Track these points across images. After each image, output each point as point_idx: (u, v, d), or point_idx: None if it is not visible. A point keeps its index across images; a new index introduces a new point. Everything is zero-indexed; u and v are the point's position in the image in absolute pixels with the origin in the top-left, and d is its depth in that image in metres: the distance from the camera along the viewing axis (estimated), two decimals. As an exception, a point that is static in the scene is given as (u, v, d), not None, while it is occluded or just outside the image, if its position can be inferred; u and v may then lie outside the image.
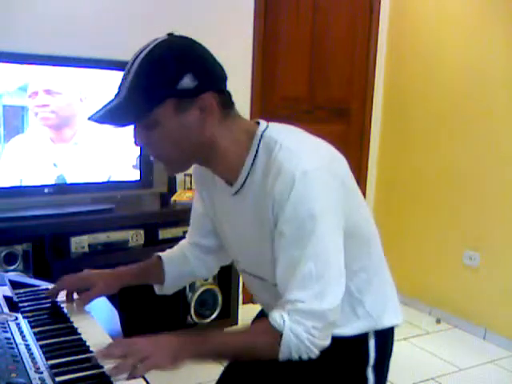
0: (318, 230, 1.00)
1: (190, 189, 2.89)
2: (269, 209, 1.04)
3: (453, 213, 3.27)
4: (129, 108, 1.00)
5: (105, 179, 2.55)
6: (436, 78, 3.33)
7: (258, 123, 1.12)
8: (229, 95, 1.07)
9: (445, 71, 3.28)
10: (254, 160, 1.07)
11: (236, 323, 2.86)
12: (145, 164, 2.60)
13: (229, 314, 2.85)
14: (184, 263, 1.36)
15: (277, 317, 1.01)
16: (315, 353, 1.02)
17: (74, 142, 2.44)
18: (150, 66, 0.99)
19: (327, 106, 3.52)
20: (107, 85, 2.44)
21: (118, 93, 1.02)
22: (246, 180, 1.09)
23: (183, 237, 2.86)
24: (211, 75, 1.03)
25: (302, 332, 0.99)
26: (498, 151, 3.03)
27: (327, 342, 1.04)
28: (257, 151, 1.07)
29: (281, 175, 1.01)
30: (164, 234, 2.60)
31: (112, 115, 1.01)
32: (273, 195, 1.02)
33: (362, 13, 3.54)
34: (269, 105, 3.27)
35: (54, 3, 2.56)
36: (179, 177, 2.85)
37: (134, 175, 2.61)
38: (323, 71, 3.47)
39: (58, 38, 2.53)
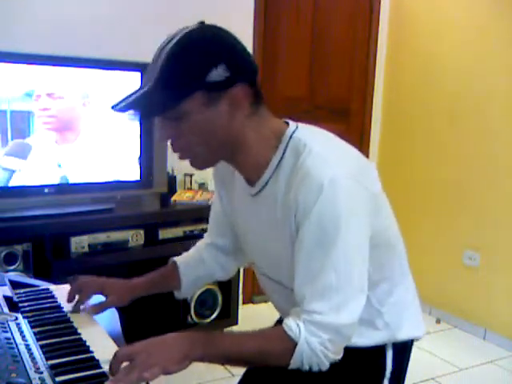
0: (343, 240, 0.96)
1: (190, 189, 2.89)
2: (291, 213, 1.00)
3: (453, 213, 3.27)
4: (156, 99, 0.96)
5: (105, 179, 2.55)
6: (436, 77, 3.33)
7: (287, 123, 1.08)
8: (259, 90, 1.03)
9: (445, 71, 3.28)
10: (280, 161, 1.04)
11: (236, 323, 2.86)
12: (145, 164, 2.60)
13: (229, 314, 2.85)
14: (200, 266, 1.34)
15: (292, 325, 0.98)
16: (326, 366, 0.99)
17: (76, 144, 2.44)
18: (179, 57, 0.95)
19: (327, 106, 3.52)
20: (110, 86, 2.44)
21: (146, 81, 0.98)
22: (269, 181, 1.05)
23: (183, 237, 2.86)
24: (243, 67, 0.99)
25: (317, 344, 0.97)
26: (498, 152, 3.02)
27: (339, 356, 1.01)
28: (284, 152, 1.03)
29: (308, 181, 0.97)
30: (164, 234, 2.60)
31: (138, 105, 0.98)
32: (297, 201, 0.98)
33: (362, 13, 3.54)
34: (269, 105, 3.24)
35: (57, 3, 2.56)
36: (179, 177, 2.86)
37: (134, 175, 2.61)
38: (323, 71, 3.47)
39: (60, 39, 2.53)
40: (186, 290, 1.35)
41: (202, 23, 1.00)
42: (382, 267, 1.10)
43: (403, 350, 1.19)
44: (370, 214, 1.01)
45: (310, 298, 0.98)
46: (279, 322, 1.29)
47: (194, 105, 0.96)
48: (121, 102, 0.99)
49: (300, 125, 1.08)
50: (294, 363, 0.99)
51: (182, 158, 1.05)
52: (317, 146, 1.02)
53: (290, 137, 1.04)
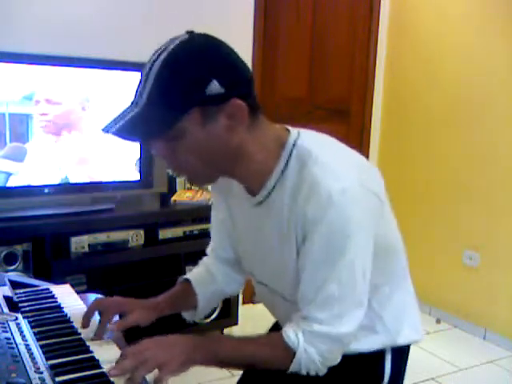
0: (349, 252, 0.96)
1: (190, 189, 2.89)
2: (298, 223, 0.98)
3: (453, 213, 3.27)
4: (150, 118, 0.91)
5: (105, 179, 2.55)
6: (436, 77, 3.33)
7: (288, 130, 1.04)
8: (255, 98, 0.98)
9: (445, 71, 3.28)
10: (284, 170, 1.00)
11: (236, 323, 2.86)
12: (145, 164, 2.60)
13: (229, 314, 2.85)
14: (212, 281, 1.28)
15: (291, 335, 0.99)
16: (323, 372, 1.01)
17: (76, 144, 2.44)
18: (172, 71, 0.90)
19: (327, 106, 3.52)
20: (111, 86, 2.44)
21: (136, 100, 0.94)
22: (273, 190, 1.02)
23: (183, 237, 2.85)
24: (238, 79, 0.95)
25: (315, 354, 0.98)
26: (498, 152, 3.02)
27: (337, 362, 1.03)
28: (288, 160, 1.00)
29: (316, 192, 0.94)
30: (164, 234, 2.59)
31: (132, 128, 0.91)
32: (304, 211, 0.96)
33: (362, 13, 3.54)
34: (269, 105, 3.26)
35: (56, 2, 2.56)
36: (179, 177, 2.86)
37: (134, 175, 2.61)
38: (323, 71, 3.47)
39: (59, 39, 2.53)
40: (202, 308, 1.27)
41: (191, 33, 0.95)
42: (384, 271, 1.09)
43: (402, 354, 1.19)
44: (376, 221, 1.01)
45: (311, 306, 0.99)
46: (275, 327, 1.29)
47: (191, 122, 0.91)
48: (113, 122, 0.94)
49: (301, 131, 1.05)
50: (291, 369, 1.00)
51: (178, 175, 1.03)
52: (322, 153, 0.99)
53: (293, 144, 1.01)
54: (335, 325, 0.98)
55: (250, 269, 1.21)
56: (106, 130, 0.94)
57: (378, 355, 1.14)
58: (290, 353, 0.99)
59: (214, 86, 0.90)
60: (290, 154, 1.01)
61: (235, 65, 0.95)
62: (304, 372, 1.00)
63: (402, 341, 1.15)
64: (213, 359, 1.00)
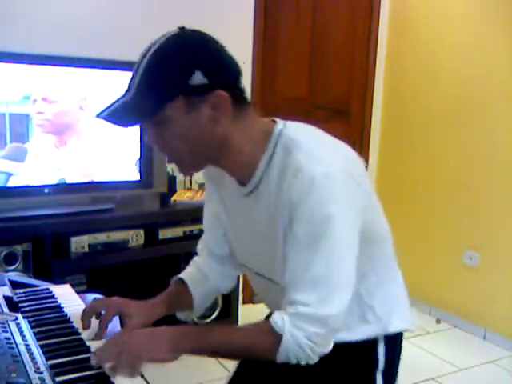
0: (333, 234, 0.97)
1: (190, 189, 2.89)
2: (284, 210, 1.01)
3: (453, 213, 3.27)
4: (138, 106, 0.97)
5: (105, 179, 2.55)
6: (436, 77, 3.33)
7: (274, 121, 1.08)
8: (242, 92, 1.03)
9: (445, 71, 3.28)
10: (270, 159, 1.04)
11: (236, 323, 2.87)
12: (145, 164, 2.60)
13: (229, 314, 2.85)
14: (205, 281, 1.29)
15: (278, 319, 0.99)
16: (314, 359, 1.00)
17: (76, 144, 2.44)
18: (159, 63, 0.96)
19: (327, 106, 3.52)
20: (109, 86, 2.44)
21: (128, 90, 0.99)
22: (261, 180, 1.05)
23: (183, 237, 2.85)
24: (223, 72, 0.99)
25: (303, 338, 0.97)
26: (498, 152, 3.03)
27: (327, 349, 1.01)
28: (273, 150, 1.03)
29: (299, 176, 0.97)
30: (164, 234, 2.60)
31: (121, 113, 0.98)
32: (289, 196, 0.99)
33: (362, 13, 3.54)
34: (269, 105, 3.27)
35: (55, 2, 2.56)
36: (179, 177, 2.86)
37: (134, 175, 2.61)
38: (323, 71, 3.47)
39: (58, 39, 2.53)
40: (198, 307, 1.28)
41: (183, 28, 1.00)
42: (371, 260, 1.11)
43: (394, 342, 1.20)
44: (361, 208, 1.02)
45: (297, 289, 0.99)
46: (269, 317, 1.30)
47: (176, 110, 0.96)
48: (105, 109, 0.99)
49: (288, 122, 1.08)
50: (280, 357, 0.99)
51: (169, 161, 1.06)
52: (306, 141, 1.02)
53: (279, 135, 1.04)
54: (319, 306, 0.97)
55: (244, 260, 1.22)
56: (99, 115, 1.00)
57: (371, 344, 1.16)
58: (277, 338, 0.98)
59: (198, 77, 0.95)
60: (276, 144, 1.04)
61: (221, 58, 1.00)
62: (294, 361, 0.99)
63: (393, 329, 1.17)
64: (203, 347, 1.00)
